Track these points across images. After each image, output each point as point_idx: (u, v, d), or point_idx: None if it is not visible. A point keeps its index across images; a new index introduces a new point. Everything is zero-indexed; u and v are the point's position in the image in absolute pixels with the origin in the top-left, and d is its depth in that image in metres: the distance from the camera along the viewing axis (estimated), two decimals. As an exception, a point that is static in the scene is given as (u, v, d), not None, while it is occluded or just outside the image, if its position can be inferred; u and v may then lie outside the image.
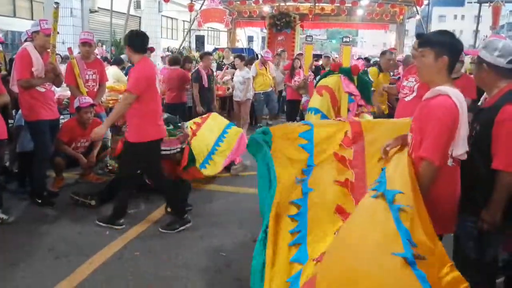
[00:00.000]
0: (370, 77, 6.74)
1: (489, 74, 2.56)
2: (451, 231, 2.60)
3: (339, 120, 3.43)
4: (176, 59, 8.42)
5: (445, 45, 2.45)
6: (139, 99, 4.17)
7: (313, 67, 11.10)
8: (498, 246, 2.56)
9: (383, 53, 6.84)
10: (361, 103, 6.55)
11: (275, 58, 11.82)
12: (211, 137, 6.24)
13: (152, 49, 7.50)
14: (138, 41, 4.32)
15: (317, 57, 12.74)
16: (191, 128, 5.99)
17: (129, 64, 10.82)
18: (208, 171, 5.78)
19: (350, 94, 6.47)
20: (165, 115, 5.28)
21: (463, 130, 2.37)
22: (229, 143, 6.42)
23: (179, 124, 5.30)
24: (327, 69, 10.52)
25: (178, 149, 5.18)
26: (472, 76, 4.34)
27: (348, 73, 6.66)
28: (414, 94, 4.10)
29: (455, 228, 2.58)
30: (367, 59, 15.78)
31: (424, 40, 2.59)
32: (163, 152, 5.01)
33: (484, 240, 2.51)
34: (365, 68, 10.62)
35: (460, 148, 2.39)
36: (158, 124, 4.40)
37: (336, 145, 3.15)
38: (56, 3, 4.80)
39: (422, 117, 2.44)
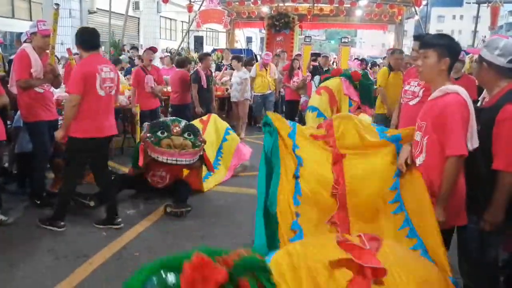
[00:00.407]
0: (378, 77, 6.73)
1: (489, 73, 2.57)
2: (464, 222, 2.63)
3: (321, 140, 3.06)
4: (183, 61, 8.47)
5: (447, 47, 2.54)
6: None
7: (311, 67, 11.10)
8: (499, 246, 2.56)
9: (392, 52, 6.79)
10: (364, 109, 6.59)
11: (274, 59, 11.82)
12: (212, 148, 6.30)
13: (155, 50, 7.52)
14: (84, 38, 4.33)
15: (315, 55, 12.68)
16: None
17: (128, 65, 10.85)
18: (207, 184, 5.90)
19: (350, 98, 6.52)
20: (183, 123, 5.23)
21: (474, 123, 2.46)
22: (226, 160, 6.48)
23: (198, 132, 5.27)
24: (325, 69, 10.56)
25: (197, 158, 5.19)
26: (472, 76, 4.34)
27: (349, 78, 6.72)
28: (419, 98, 4.09)
29: (466, 220, 2.62)
30: (364, 60, 15.67)
31: (427, 42, 2.65)
32: (187, 163, 5.03)
33: (485, 241, 2.52)
34: (365, 70, 10.65)
35: (475, 141, 2.47)
36: (97, 123, 4.31)
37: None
38: (57, 4, 4.80)
39: (434, 116, 2.50)
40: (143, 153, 5.03)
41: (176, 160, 4.96)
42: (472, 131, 2.45)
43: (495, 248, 2.53)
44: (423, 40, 2.75)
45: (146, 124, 5.31)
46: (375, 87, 6.87)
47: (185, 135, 5.07)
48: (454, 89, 2.47)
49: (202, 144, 5.19)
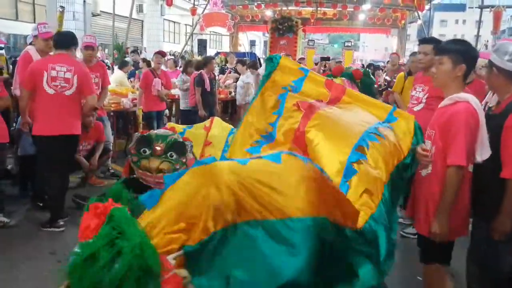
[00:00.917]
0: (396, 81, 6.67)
1: (499, 78, 2.53)
2: (464, 234, 2.60)
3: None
4: (202, 63, 8.53)
5: (463, 54, 2.48)
6: (33, 93, 4.37)
7: (321, 70, 11.03)
8: (507, 253, 2.51)
9: (411, 54, 6.73)
10: None
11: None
12: (217, 148, 6.24)
13: (163, 54, 7.61)
14: (55, 39, 4.61)
15: (324, 60, 12.48)
16: (203, 155, 5.94)
17: (132, 68, 10.85)
18: None
19: None
20: (168, 140, 4.95)
21: (485, 134, 2.40)
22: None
23: (184, 151, 5.08)
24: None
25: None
26: (482, 81, 4.29)
27: (350, 76, 6.68)
28: (422, 105, 4.05)
29: (467, 232, 2.58)
30: (371, 65, 15.54)
31: (442, 48, 2.61)
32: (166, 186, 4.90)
33: (494, 248, 2.47)
34: (367, 69, 10.61)
35: (485, 152, 2.41)
36: (47, 121, 4.37)
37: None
38: (62, 7, 4.86)
39: (441, 124, 2.45)
40: (128, 166, 5.01)
41: (154, 181, 4.85)
42: (482, 141, 2.39)
43: (504, 256, 2.48)
44: (439, 46, 2.71)
45: (136, 134, 5.19)
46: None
47: (168, 155, 4.88)
48: (465, 98, 2.42)
49: (184, 166, 4.93)
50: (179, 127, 6.22)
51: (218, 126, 6.67)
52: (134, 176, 5.04)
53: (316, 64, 12.87)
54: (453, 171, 2.35)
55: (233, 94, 10.08)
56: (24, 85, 4.43)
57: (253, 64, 10.59)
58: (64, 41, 4.55)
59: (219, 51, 20.28)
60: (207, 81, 8.08)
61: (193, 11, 19.02)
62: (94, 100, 4.71)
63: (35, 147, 4.66)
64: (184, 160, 4.87)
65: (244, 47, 20.97)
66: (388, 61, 11.88)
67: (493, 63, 2.53)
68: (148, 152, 4.86)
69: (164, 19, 28.28)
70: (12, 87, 5.17)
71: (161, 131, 5.18)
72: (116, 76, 8.87)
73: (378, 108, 2.94)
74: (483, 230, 2.50)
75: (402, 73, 6.44)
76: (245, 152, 2.90)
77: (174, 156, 4.85)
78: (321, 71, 10.98)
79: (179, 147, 4.92)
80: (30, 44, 5.37)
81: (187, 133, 5.96)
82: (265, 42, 30.96)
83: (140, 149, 4.88)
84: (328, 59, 12.30)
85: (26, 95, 4.44)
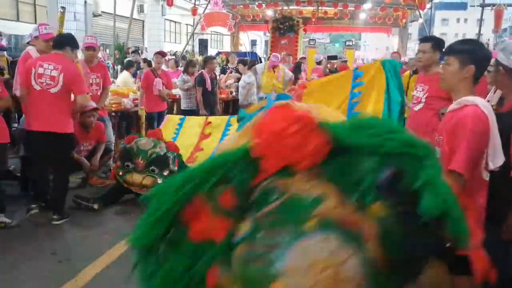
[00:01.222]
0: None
1: (505, 77, 2.49)
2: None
3: None
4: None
5: (471, 54, 2.38)
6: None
7: (327, 70, 10.98)
8: None
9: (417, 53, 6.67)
10: None
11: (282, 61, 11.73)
12: (218, 130, 6.22)
13: (164, 54, 7.63)
14: (55, 39, 4.73)
15: (331, 58, 12.42)
16: (203, 133, 5.93)
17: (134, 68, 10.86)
18: None
19: None
20: (149, 154, 4.94)
21: (497, 139, 2.29)
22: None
23: (167, 163, 4.95)
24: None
25: None
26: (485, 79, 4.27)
27: None
28: (422, 104, 4.02)
29: None
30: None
31: (449, 48, 2.53)
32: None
33: (505, 250, 2.44)
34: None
35: (499, 159, 2.31)
36: (32, 116, 4.50)
37: None
38: (63, 7, 4.88)
39: (449, 129, 2.37)
40: (113, 174, 5.08)
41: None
42: (494, 146, 2.29)
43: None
44: (446, 47, 2.63)
45: (122, 146, 5.21)
46: None
47: (150, 169, 4.87)
48: (473, 101, 2.31)
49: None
50: (176, 118, 6.25)
51: (215, 122, 6.71)
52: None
53: (317, 63, 12.81)
54: (454, 177, 2.26)
55: (234, 94, 10.05)
56: (24, 85, 4.52)
57: (254, 64, 10.57)
58: (59, 41, 4.62)
59: (220, 51, 20.28)
60: (208, 81, 8.07)
61: (194, 11, 19.02)
62: (84, 99, 4.68)
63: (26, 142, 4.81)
64: (166, 173, 4.84)
65: (245, 47, 20.95)
66: (389, 60, 11.83)
67: (500, 63, 2.48)
68: (131, 166, 4.89)
69: (165, 19, 28.31)
70: (13, 88, 5.17)
71: (143, 143, 5.12)
72: (123, 78, 8.94)
73: (341, 75, 3.06)
74: (492, 233, 2.46)
75: (407, 72, 6.39)
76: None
77: (156, 171, 4.86)
78: (327, 70, 10.94)
79: (160, 162, 4.90)
80: (28, 43, 5.38)
81: (186, 121, 6.00)
82: (266, 41, 30.95)
83: (124, 162, 4.92)
84: (335, 57, 12.20)
85: (22, 91, 4.55)
